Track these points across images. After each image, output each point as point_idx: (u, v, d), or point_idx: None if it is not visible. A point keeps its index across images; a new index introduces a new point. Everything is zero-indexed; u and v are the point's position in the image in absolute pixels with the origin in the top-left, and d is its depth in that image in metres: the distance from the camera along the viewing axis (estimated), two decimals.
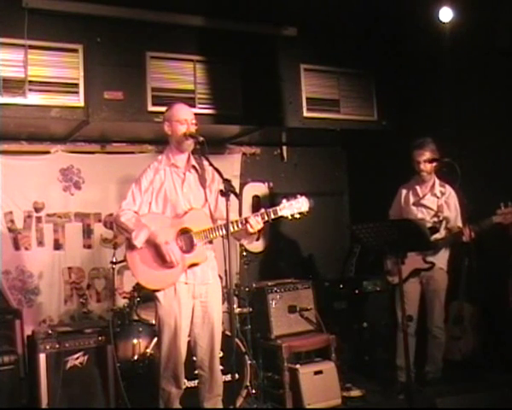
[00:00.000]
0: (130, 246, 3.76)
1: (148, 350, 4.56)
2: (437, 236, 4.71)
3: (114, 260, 4.92)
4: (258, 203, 6.35)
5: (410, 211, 4.90)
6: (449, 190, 4.87)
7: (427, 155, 4.77)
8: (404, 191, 5.03)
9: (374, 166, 6.31)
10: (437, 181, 4.90)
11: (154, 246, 3.73)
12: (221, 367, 3.95)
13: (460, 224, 4.76)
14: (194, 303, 3.82)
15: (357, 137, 6.51)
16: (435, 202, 4.85)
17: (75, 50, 5.02)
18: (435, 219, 4.79)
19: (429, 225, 4.64)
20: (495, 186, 5.06)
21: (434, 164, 4.79)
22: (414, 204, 4.92)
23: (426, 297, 4.87)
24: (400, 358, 4.81)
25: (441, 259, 4.80)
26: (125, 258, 3.85)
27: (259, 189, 6.53)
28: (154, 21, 5.28)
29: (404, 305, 4.17)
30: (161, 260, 3.72)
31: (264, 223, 3.75)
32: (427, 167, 4.80)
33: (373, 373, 5.38)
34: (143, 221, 3.76)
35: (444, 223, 4.80)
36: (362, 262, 5.96)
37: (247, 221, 3.72)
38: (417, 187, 4.94)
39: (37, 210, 5.48)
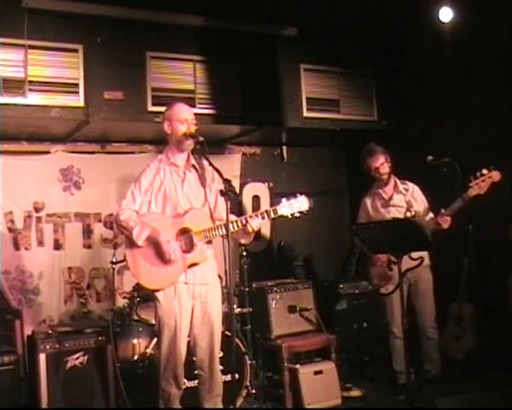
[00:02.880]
0: (131, 244, 3.76)
1: (148, 350, 4.56)
2: None
3: (114, 260, 4.93)
4: (258, 203, 6.35)
5: (381, 215, 4.88)
6: (411, 185, 4.92)
7: (381, 157, 4.85)
8: (368, 200, 5.03)
9: None
10: (397, 180, 4.93)
11: (154, 244, 3.72)
12: (221, 367, 3.94)
13: (432, 215, 4.74)
14: (193, 303, 3.81)
15: (357, 137, 6.48)
16: (403, 199, 4.86)
17: (75, 50, 5.02)
18: (408, 215, 4.77)
19: None
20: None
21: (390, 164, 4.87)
22: (383, 207, 4.92)
23: (415, 299, 4.81)
24: (396, 363, 4.82)
25: (425, 253, 4.70)
26: (125, 257, 3.84)
27: (259, 189, 6.52)
28: (154, 21, 5.27)
29: (404, 306, 4.16)
30: (161, 258, 3.72)
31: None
32: (385, 169, 4.87)
33: (373, 373, 5.38)
34: (144, 221, 3.76)
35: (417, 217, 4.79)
36: (362, 262, 5.95)
37: (247, 221, 3.73)
38: (380, 191, 4.96)
39: (37, 210, 5.49)
